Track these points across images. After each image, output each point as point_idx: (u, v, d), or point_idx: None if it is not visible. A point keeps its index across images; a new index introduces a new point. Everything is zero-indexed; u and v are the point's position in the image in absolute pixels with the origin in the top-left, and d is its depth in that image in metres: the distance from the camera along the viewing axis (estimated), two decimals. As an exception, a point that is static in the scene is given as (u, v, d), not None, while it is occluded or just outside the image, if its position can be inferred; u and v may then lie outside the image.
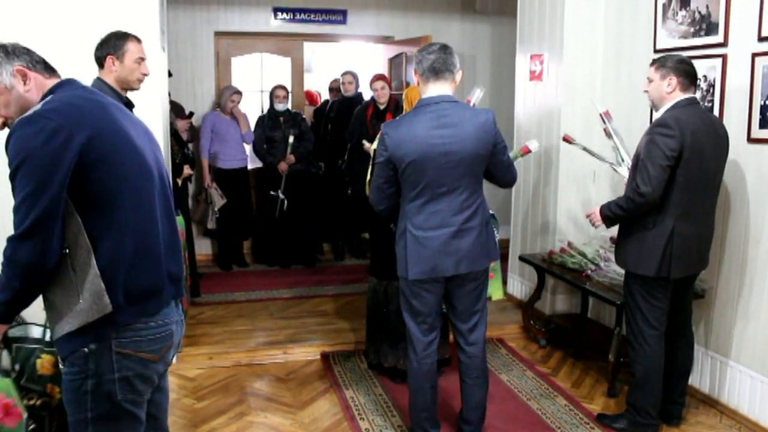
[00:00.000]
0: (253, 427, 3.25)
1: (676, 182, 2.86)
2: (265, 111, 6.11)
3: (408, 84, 6.47)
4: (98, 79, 2.88)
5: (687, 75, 2.91)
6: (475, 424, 3.02)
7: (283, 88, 5.90)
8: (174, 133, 4.98)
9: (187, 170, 4.97)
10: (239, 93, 5.87)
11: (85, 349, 1.68)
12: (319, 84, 8.23)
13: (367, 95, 5.89)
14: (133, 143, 1.76)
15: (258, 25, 6.50)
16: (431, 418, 2.95)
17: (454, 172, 2.68)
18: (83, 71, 3.19)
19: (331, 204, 6.26)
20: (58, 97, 1.69)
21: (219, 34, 6.41)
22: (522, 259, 4.46)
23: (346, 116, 5.84)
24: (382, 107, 5.51)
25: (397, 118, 2.82)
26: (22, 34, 3.44)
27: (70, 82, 1.78)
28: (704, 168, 2.90)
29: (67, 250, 1.64)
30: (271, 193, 5.88)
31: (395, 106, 5.59)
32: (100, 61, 2.88)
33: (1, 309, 1.68)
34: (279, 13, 6.52)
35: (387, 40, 6.88)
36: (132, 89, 2.95)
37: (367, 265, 6.05)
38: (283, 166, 5.75)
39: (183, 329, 2.00)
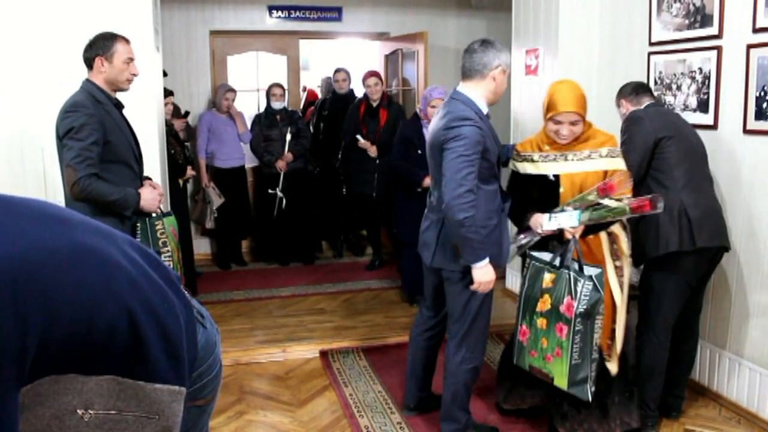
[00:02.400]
0: (252, 426, 3.25)
1: (669, 159, 2.96)
2: (262, 109, 6.11)
3: (405, 80, 6.48)
4: (87, 80, 2.86)
5: (632, 90, 3.22)
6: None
7: (280, 86, 5.90)
8: (176, 134, 4.96)
9: (189, 171, 4.93)
10: (233, 90, 5.86)
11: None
12: (316, 82, 8.23)
13: (360, 92, 5.88)
14: None
15: (253, 24, 6.50)
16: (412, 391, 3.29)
17: (437, 165, 2.85)
18: (76, 71, 3.20)
19: (326, 203, 6.26)
20: None
21: (214, 33, 6.40)
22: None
23: (339, 114, 5.84)
24: (375, 104, 5.50)
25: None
26: (15, 35, 3.45)
27: None
28: (689, 142, 3.03)
29: None
30: (270, 191, 5.87)
31: (388, 102, 5.58)
32: (89, 63, 2.86)
33: None
34: (274, 11, 6.51)
35: (383, 36, 6.88)
36: (121, 90, 2.93)
37: (365, 262, 6.07)
38: (281, 164, 5.75)
39: (220, 334, 1.66)
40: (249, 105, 6.85)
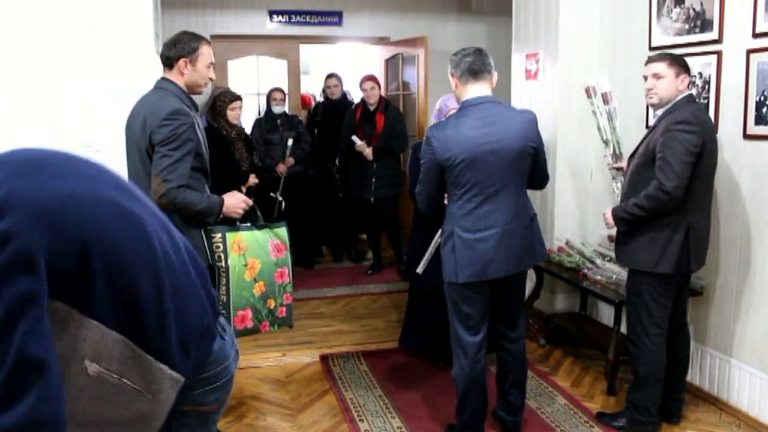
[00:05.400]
0: (252, 430, 3.24)
1: (696, 178, 2.84)
2: (263, 114, 6.11)
3: (405, 85, 6.48)
4: (170, 81, 2.71)
5: (689, 73, 2.96)
6: (519, 415, 3.11)
7: (280, 90, 5.89)
8: (245, 138, 4.81)
9: (252, 179, 4.68)
10: (239, 98, 5.70)
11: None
12: (317, 86, 8.22)
13: (357, 97, 5.89)
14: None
15: (254, 28, 6.51)
16: (479, 424, 2.97)
17: (501, 172, 2.72)
18: (77, 74, 3.22)
19: (324, 207, 6.25)
20: None
21: (215, 38, 6.40)
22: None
23: (332, 119, 5.85)
24: (371, 108, 5.52)
25: (442, 121, 2.87)
26: (16, 36, 3.45)
27: None
28: (714, 162, 2.94)
29: None
30: (271, 194, 5.86)
31: (385, 106, 5.59)
32: (170, 62, 2.70)
33: None
34: (275, 16, 6.53)
35: (383, 41, 6.89)
36: (196, 93, 2.80)
37: (365, 266, 6.06)
38: (281, 168, 5.75)
39: (238, 356, 1.67)
40: (249, 109, 6.85)
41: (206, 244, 2.80)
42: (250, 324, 2.94)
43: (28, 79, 3.48)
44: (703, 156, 2.83)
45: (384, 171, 5.52)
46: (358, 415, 3.36)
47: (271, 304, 2.96)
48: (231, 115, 4.47)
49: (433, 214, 2.97)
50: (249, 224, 2.91)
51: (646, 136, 3.02)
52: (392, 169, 5.61)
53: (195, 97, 2.81)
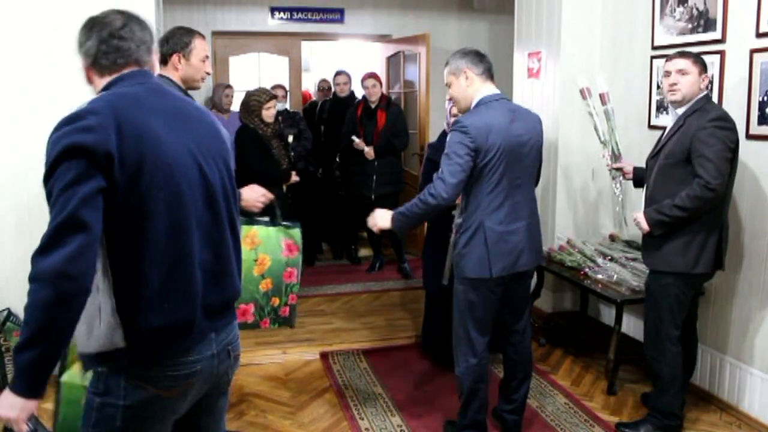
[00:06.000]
0: (252, 428, 3.24)
1: (729, 176, 2.83)
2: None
3: (407, 83, 6.47)
4: (162, 76, 2.63)
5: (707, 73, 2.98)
6: (521, 414, 3.11)
7: (282, 87, 5.89)
8: (279, 135, 4.79)
9: (294, 177, 4.59)
10: (231, 87, 5.84)
11: (99, 369, 1.58)
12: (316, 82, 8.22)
13: (359, 95, 5.88)
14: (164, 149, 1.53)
15: (255, 25, 6.50)
16: (484, 423, 2.97)
17: (526, 166, 2.78)
18: (78, 71, 3.18)
19: (326, 204, 6.24)
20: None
21: (216, 34, 6.40)
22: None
23: (339, 117, 5.83)
24: (373, 105, 5.52)
25: (472, 111, 2.77)
26: (14, 32, 3.44)
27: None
28: (737, 161, 2.93)
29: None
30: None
31: (387, 104, 5.59)
32: (164, 58, 2.67)
33: None
34: (276, 13, 6.51)
35: (384, 38, 6.87)
36: (194, 88, 2.78)
37: (366, 264, 6.05)
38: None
39: (230, 361, 1.76)
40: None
41: None
42: (250, 319, 2.93)
43: (27, 78, 3.47)
44: (736, 154, 2.84)
45: (385, 169, 5.51)
46: (358, 413, 3.35)
47: (276, 302, 2.96)
48: (266, 114, 4.41)
49: (447, 209, 2.89)
50: (266, 219, 2.88)
51: (670, 135, 2.94)
52: (393, 167, 5.60)
53: (193, 93, 2.78)
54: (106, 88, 1.61)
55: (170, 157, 1.53)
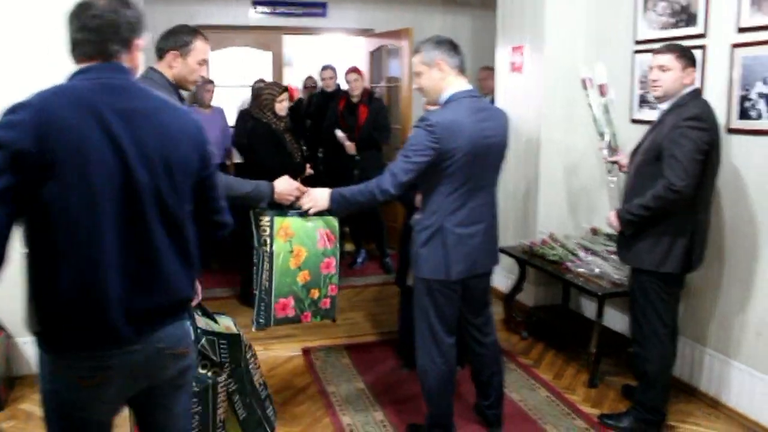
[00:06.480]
0: (233, 424, 3.21)
1: (704, 176, 2.75)
2: (246, 105, 6.05)
3: (390, 77, 6.45)
4: (156, 71, 2.59)
5: (695, 66, 2.91)
6: (500, 407, 3.09)
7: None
8: (292, 129, 4.72)
9: (309, 170, 4.55)
10: (212, 82, 5.80)
11: (38, 350, 1.63)
12: (300, 78, 8.17)
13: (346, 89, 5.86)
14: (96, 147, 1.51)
15: (237, 19, 6.44)
16: (451, 423, 2.95)
17: (491, 167, 2.71)
18: (60, 67, 3.11)
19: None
20: None
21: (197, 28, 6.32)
22: (503, 251, 4.44)
23: (326, 112, 5.80)
24: (355, 100, 5.50)
25: (438, 109, 2.68)
26: (14, 32, 3.38)
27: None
28: (719, 160, 2.88)
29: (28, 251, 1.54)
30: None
31: (369, 98, 5.57)
32: (160, 53, 2.60)
33: None
34: (258, 6, 6.47)
35: (368, 33, 6.85)
36: (184, 89, 2.68)
37: (348, 259, 6.03)
38: None
39: (166, 360, 1.71)
40: (232, 101, 6.79)
41: (254, 226, 2.73)
42: (291, 313, 2.82)
43: (27, 78, 3.39)
44: (711, 154, 2.77)
45: (367, 163, 5.49)
46: (340, 409, 3.34)
47: (315, 294, 2.85)
48: (279, 107, 4.36)
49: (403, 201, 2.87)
50: (299, 211, 2.78)
51: (651, 131, 2.92)
52: (376, 161, 5.58)
53: None
54: (70, 78, 1.61)
55: (91, 158, 1.49)
